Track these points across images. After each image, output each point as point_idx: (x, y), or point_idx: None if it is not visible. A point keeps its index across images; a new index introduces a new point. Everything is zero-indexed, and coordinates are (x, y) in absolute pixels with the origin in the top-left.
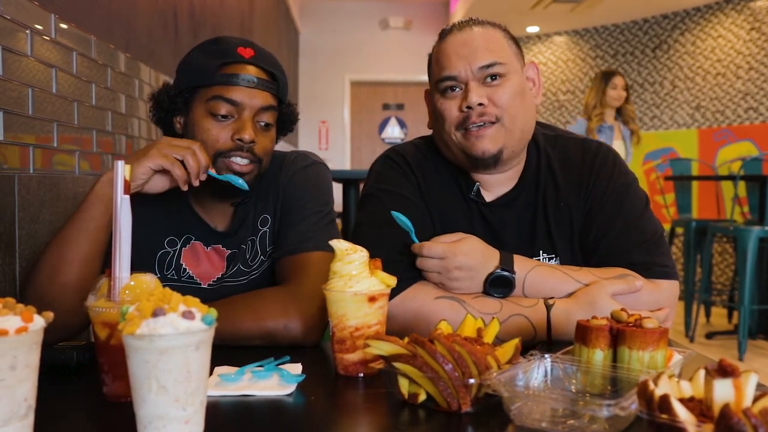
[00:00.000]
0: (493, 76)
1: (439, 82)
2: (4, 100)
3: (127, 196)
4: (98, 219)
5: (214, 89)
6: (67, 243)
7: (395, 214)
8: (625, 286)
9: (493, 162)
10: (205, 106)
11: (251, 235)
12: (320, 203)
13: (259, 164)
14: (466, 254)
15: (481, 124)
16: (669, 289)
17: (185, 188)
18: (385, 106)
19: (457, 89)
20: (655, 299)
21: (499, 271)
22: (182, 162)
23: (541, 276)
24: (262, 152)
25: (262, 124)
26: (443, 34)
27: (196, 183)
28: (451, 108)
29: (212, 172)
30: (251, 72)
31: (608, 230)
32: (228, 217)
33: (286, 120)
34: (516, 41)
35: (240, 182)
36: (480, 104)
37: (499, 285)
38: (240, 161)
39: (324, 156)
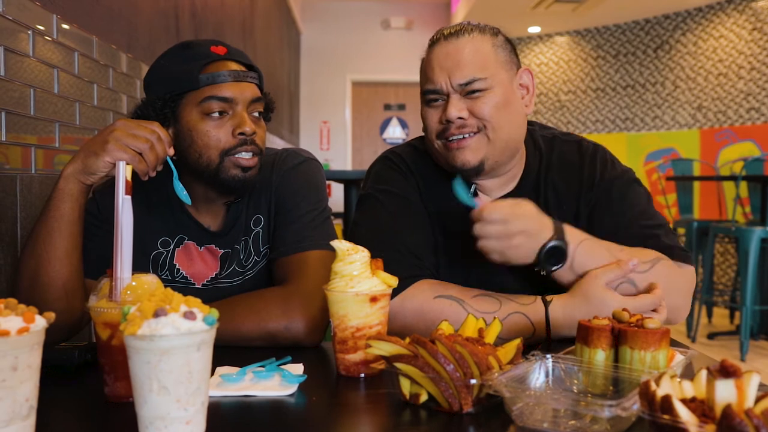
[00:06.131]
0: (474, 91)
1: (423, 93)
2: (6, 100)
3: (129, 197)
4: (69, 215)
5: (203, 91)
6: (43, 244)
7: (457, 179)
8: (617, 272)
9: (474, 173)
10: (198, 110)
11: (244, 235)
12: (314, 201)
13: (260, 156)
14: (528, 217)
15: (462, 136)
16: (690, 272)
17: (145, 179)
18: (387, 107)
19: (440, 100)
20: (681, 282)
21: (554, 241)
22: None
23: (589, 250)
24: (262, 143)
25: (256, 114)
26: (431, 42)
27: (152, 174)
28: (432, 118)
29: (171, 162)
30: (233, 67)
31: (619, 225)
32: (220, 216)
33: (267, 110)
34: (509, 47)
35: (183, 195)
36: (460, 118)
37: (553, 256)
38: (245, 156)
39: (325, 156)
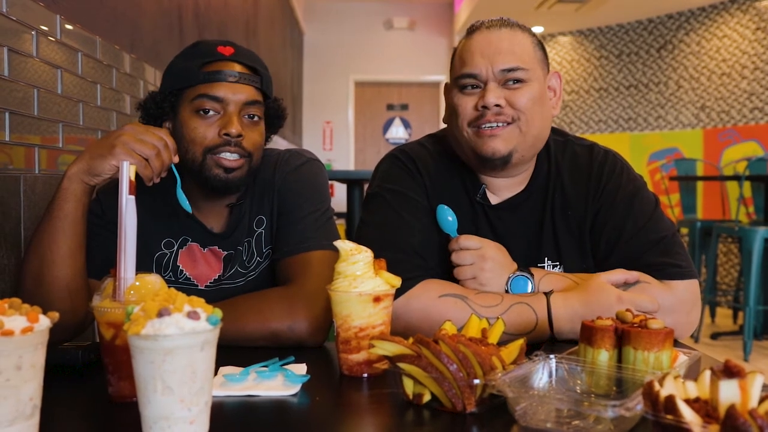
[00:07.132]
0: (514, 80)
1: (459, 78)
2: (9, 100)
3: (132, 197)
4: (72, 215)
5: (198, 88)
6: (47, 244)
7: (441, 207)
8: (619, 275)
9: (501, 164)
10: (191, 106)
11: (247, 236)
12: (317, 202)
13: (249, 159)
14: (498, 248)
15: (496, 124)
16: (685, 289)
17: (149, 184)
18: (390, 107)
19: (476, 87)
20: (670, 301)
21: (519, 272)
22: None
23: (554, 279)
24: (252, 147)
25: (250, 118)
26: (471, 31)
27: (156, 180)
28: (466, 105)
29: (175, 169)
30: (233, 68)
31: (619, 236)
32: (223, 218)
33: (273, 115)
34: (543, 48)
35: (185, 204)
36: (497, 105)
37: (520, 284)
38: (229, 156)
39: (328, 156)
